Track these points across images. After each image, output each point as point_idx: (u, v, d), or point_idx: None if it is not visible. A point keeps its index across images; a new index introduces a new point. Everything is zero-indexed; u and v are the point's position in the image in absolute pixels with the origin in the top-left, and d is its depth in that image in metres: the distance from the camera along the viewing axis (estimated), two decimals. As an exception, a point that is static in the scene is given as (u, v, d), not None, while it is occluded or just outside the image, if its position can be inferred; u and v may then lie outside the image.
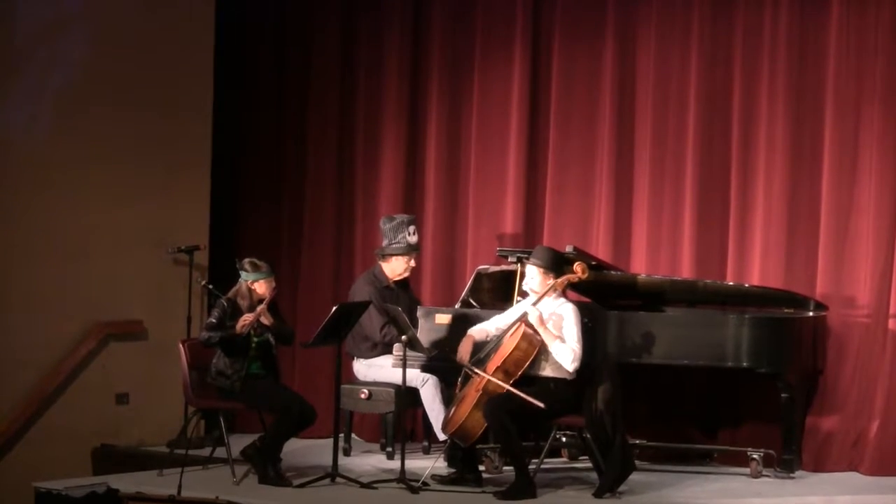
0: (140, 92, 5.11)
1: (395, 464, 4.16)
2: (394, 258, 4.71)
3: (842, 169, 4.59)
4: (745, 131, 4.78)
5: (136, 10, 5.15)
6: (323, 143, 5.63)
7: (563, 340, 3.87)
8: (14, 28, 4.82)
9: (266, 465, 4.04)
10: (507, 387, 3.82)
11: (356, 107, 5.60)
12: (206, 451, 4.48)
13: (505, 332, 4.00)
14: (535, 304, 3.93)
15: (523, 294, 4.17)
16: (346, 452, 4.64)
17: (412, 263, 4.77)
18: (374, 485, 4.03)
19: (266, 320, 4.06)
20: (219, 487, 3.97)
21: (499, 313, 4.18)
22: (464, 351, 3.99)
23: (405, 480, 3.96)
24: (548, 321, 3.89)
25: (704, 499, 4.02)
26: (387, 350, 4.60)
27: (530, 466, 3.97)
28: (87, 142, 4.96)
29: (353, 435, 4.92)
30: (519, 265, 4.41)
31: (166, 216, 5.17)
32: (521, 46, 5.20)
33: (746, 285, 4.63)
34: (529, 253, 4.18)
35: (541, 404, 3.77)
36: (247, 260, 4.20)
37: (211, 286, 4.63)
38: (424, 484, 3.96)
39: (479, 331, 4.09)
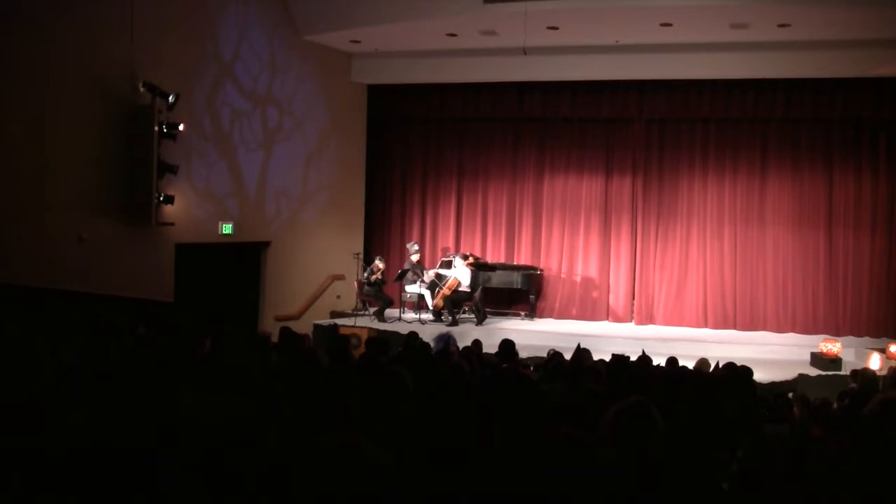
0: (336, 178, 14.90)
1: (422, 316, 14.26)
2: (412, 255, 14.70)
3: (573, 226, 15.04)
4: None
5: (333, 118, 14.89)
6: (414, 198, 15.70)
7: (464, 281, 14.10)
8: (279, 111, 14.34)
9: (382, 315, 14.04)
10: (449, 292, 13.95)
11: (428, 186, 15.64)
12: (360, 313, 14.43)
13: (450, 276, 14.10)
14: (456, 268, 14.10)
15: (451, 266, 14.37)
16: (400, 315, 14.67)
17: (417, 257, 14.72)
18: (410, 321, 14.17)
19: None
20: (364, 322, 13.99)
21: (447, 271, 14.30)
22: (436, 277, 14.15)
23: (421, 321, 14.07)
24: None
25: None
26: (412, 282, 14.65)
27: (457, 317, 14.11)
28: (327, 201, 14.72)
29: (405, 307, 14.82)
30: (453, 258, 14.51)
31: (348, 239, 15.02)
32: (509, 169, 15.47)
33: (519, 263, 15.02)
34: (457, 254, 14.37)
35: (449, 293, 13.98)
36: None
37: (359, 254, 14.71)
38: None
39: (444, 274, 14.23)
